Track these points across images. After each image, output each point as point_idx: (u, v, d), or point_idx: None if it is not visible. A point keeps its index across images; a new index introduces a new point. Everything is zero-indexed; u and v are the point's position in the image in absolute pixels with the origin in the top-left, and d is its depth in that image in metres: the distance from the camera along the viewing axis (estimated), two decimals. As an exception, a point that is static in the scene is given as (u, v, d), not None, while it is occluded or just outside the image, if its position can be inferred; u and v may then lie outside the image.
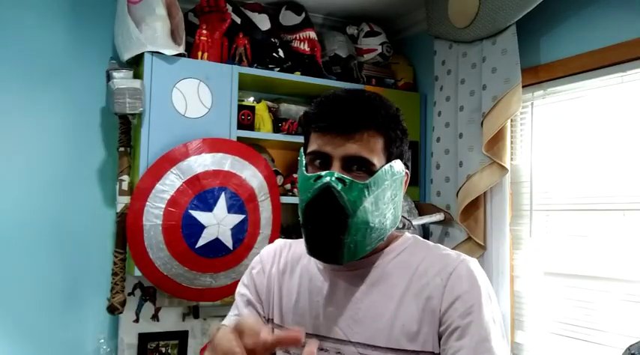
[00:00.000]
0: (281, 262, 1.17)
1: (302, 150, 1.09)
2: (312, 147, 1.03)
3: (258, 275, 1.18)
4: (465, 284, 0.98)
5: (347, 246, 0.97)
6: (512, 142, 2.38)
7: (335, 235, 0.97)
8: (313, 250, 1.01)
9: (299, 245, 1.15)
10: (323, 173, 0.97)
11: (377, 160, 1.00)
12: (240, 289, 1.20)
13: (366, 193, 0.98)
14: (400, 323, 0.98)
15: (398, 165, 1.04)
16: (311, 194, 0.97)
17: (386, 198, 1.01)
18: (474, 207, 2.40)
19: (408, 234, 1.12)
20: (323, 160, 1.01)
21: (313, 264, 1.12)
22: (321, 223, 0.98)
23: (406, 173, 1.09)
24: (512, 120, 2.35)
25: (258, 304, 1.17)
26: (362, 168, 1.00)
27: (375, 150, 1.00)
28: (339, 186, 0.95)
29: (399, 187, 1.05)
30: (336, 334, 1.04)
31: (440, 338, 0.96)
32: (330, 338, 1.04)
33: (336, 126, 0.99)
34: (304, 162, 1.05)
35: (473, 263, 1.04)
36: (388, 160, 1.03)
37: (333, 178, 0.96)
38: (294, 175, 2.74)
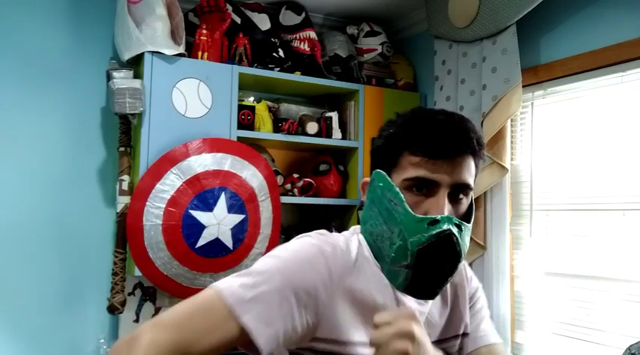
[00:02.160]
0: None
1: (382, 173, 0.99)
2: (412, 173, 0.95)
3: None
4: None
5: (447, 284, 1.00)
6: (512, 142, 2.38)
7: (445, 278, 0.96)
8: (416, 291, 0.97)
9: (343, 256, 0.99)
10: (439, 217, 0.92)
11: (473, 185, 1.00)
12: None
13: (469, 234, 0.99)
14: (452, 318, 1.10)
15: None
16: (427, 239, 0.92)
17: None
18: (474, 207, 2.39)
19: None
20: (428, 187, 0.95)
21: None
22: (435, 268, 0.94)
23: None
24: (512, 120, 2.35)
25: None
26: (462, 194, 0.98)
27: (472, 174, 0.99)
28: (457, 232, 0.93)
29: None
30: None
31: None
32: None
33: (446, 152, 0.94)
34: (397, 189, 0.96)
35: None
36: (473, 184, 1.02)
37: (451, 223, 0.92)
38: (295, 175, 2.74)
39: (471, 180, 0.98)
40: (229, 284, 0.88)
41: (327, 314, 0.92)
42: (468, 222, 0.98)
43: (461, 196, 0.97)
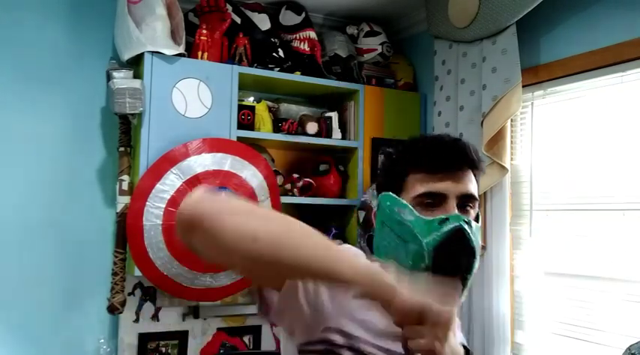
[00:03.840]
0: None
1: (389, 194, 1.04)
2: (420, 189, 1.01)
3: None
4: None
5: (466, 286, 1.00)
6: (512, 142, 2.38)
7: (463, 276, 0.98)
8: None
9: None
10: (448, 216, 0.97)
11: (477, 197, 1.05)
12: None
13: (479, 235, 1.02)
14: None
15: None
16: (440, 237, 0.96)
17: None
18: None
19: None
20: (436, 200, 1.01)
21: None
22: (452, 265, 0.97)
23: None
24: (512, 120, 2.35)
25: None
26: (469, 205, 1.03)
27: (476, 187, 1.05)
28: (468, 228, 0.97)
29: None
30: None
31: None
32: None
33: (451, 164, 1.01)
34: (404, 201, 1.02)
35: None
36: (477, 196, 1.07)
37: (462, 221, 0.97)
38: (295, 175, 2.74)
39: (475, 192, 1.04)
40: None
41: (334, 304, 0.95)
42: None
43: (468, 207, 1.02)
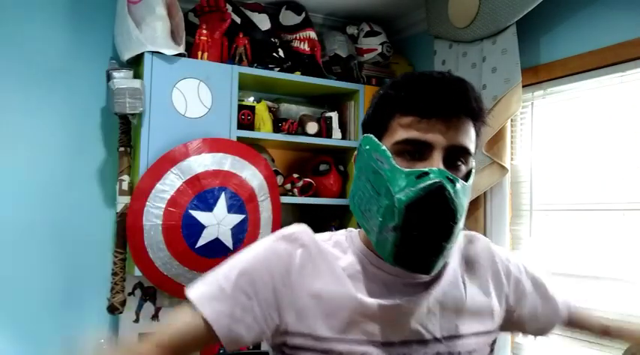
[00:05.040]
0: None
1: (370, 136, 0.92)
2: (402, 135, 0.87)
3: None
4: (502, 252, 1.08)
5: (444, 255, 0.86)
6: (512, 142, 2.38)
7: (438, 242, 0.84)
8: (407, 261, 0.85)
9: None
10: (429, 170, 0.83)
11: (472, 151, 0.90)
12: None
13: (468, 196, 0.88)
14: (475, 308, 0.98)
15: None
16: (415, 194, 0.81)
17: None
18: (474, 207, 2.40)
19: None
20: (419, 150, 0.86)
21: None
22: (424, 228, 0.83)
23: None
24: (512, 120, 2.35)
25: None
26: (460, 160, 0.88)
27: (472, 139, 0.89)
28: (450, 186, 0.82)
29: None
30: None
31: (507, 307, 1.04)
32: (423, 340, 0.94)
33: (440, 110, 0.85)
34: (384, 148, 0.88)
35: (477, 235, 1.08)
36: (475, 151, 0.92)
37: (443, 176, 0.82)
38: (295, 175, 2.74)
39: (469, 144, 0.88)
40: (195, 286, 0.93)
41: (291, 307, 0.90)
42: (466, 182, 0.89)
43: (458, 162, 0.88)
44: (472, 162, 0.92)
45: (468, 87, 0.89)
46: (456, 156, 0.87)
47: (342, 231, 1.02)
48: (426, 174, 0.83)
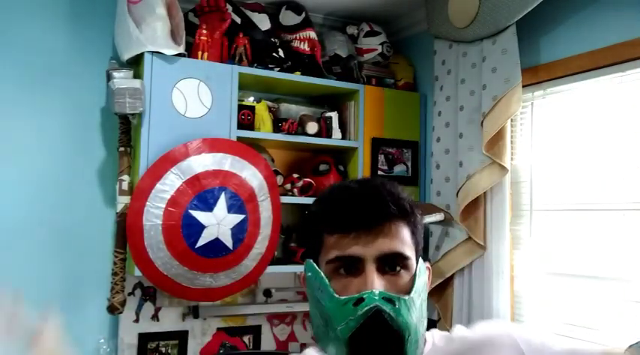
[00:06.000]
0: None
1: (310, 262, 0.91)
2: (332, 253, 0.87)
3: None
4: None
5: None
6: (512, 142, 2.38)
7: None
8: None
9: None
10: (364, 294, 0.81)
11: (410, 253, 0.88)
12: None
13: (414, 306, 0.84)
14: None
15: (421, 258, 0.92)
16: (355, 322, 0.80)
17: (424, 301, 0.89)
18: (474, 207, 2.40)
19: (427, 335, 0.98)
20: (351, 265, 0.86)
21: None
22: (378, 353, 0.81)
23: (427, 267, 0.94)
24: (512, 120, 2.35)
25: None
26: (398, 266, 0.86)
27: (406, 241, 0.87)
28: (389, 308, 0.80)
29: (426, 283, 0.92)
30: None
31: None
32: None
33: (361, 221, 0.85)
34: (322, 275, 0.87)
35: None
36: (417, 252, 0.90)
37: (379, 298, 0.80)
38: (294, 175, 2.74)
39: (403, 248, 0.86)
40: None
41: None
42: (409, 293, 0.85)
43: (397, 268, 0.86)
44: (416, 264, 0.89)
45: (383, 190, 0.88)
46: (391, 262, 0.86)
47: None
48: (362, 299, 0.81)
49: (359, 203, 0.86)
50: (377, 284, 0.83)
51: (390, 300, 0.81)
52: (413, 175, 2.92)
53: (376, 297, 0.81)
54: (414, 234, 0.90)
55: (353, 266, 0.85)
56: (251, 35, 2.65)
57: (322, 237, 0.89)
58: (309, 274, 0.90)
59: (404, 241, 0.87)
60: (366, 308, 0.80)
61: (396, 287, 0.85)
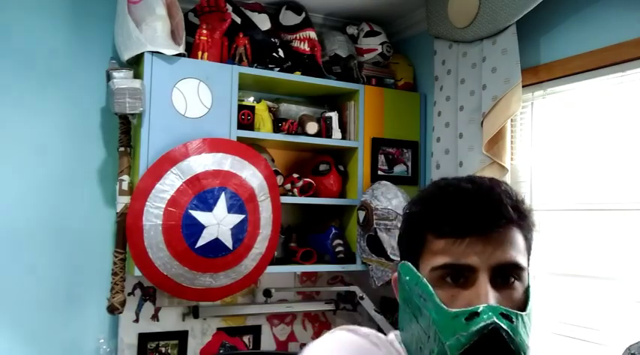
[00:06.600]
0: None
1: (408, 265, 0.84)
2: (440, 260, 0.79)
3: None
4: None
5: None
6: (512, 142, 2.38)
7: None
8: None
9: None
10: (479, 308, 0.73)
11: (524, 263, 0.80)
12: None
13: (529, 324, 0.77)
14: None
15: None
16: (467, 340, 0.72)
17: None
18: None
19: None
20: (460, 275, 0.78)
21: None
22: None
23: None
24: (512, 120, 2.34)
25: None
26: (512, 277, 0.79)
27: (521, 249, 0.80)
28: (506, 325, 0.72)
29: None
30: None
31: None
32: None
33: (477, 226, 0.77)
34: (425, 281, 0.79)
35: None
36: (529, 261, 0.83)
37: (496, 314, 0.72)
38: (294, 175, 2.74)
39: (518, 258, 0.79)
40: None
41: None
42: (524, 310, 0.78)
43: (512, 280, 0.79)
44: (528, 274, 0.82)
45: (504, 192, 0.81)
46: (506, 273, 0.78)
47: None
48: (477, 313, 0.73)
49: (476, 206, 0.78)
50: (491, 297, 0.75)
51: (507, 317, 0.73)
52: (413, 175, 2.92)
53: (493, 313, 0.73)
54: (527, 239, 0.82)
55: (462, 276, 0.78)
56: (251, 35, 2.65)
57: (425, 239, 0.82)
58: (407, 278, 0.83)
59: (519, 249, 0.80)
60: (481, 325, 0.72)
61: (511, 301, 0.78)
